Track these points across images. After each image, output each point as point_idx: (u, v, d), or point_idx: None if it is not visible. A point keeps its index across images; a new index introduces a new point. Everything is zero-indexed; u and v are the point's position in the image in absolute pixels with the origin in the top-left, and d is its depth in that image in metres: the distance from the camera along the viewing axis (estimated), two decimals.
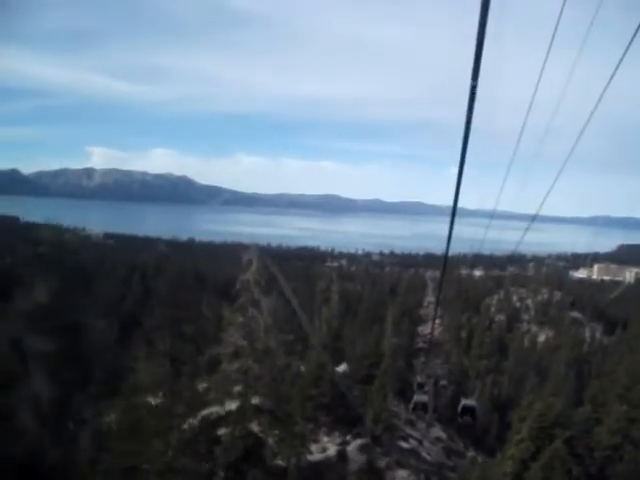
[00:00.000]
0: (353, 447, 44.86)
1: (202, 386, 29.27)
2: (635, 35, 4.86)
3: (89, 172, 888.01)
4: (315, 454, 39.61)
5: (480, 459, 55.82)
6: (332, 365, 54.27)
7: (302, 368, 50.14)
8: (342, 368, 61.98)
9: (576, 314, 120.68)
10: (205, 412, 27.49)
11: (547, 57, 5.53)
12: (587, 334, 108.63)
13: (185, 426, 26.09)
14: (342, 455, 41.84)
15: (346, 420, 48.56)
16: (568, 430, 28.04)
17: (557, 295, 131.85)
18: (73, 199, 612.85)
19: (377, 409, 50.31)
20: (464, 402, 24.77)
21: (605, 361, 54.78)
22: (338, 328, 73.44)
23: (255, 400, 26.13)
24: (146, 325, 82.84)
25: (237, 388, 25.04)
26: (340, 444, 44.68)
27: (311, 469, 35.61)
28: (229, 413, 24.73)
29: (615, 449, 26.21)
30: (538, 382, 71.10)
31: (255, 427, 25.67)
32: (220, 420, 24.98)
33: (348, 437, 46.76)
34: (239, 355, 25.13)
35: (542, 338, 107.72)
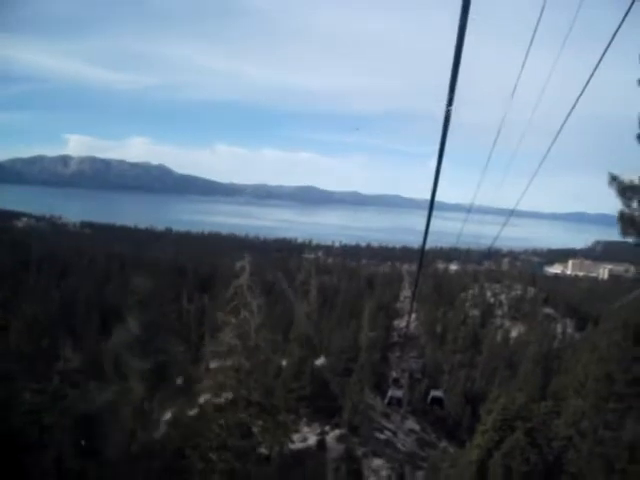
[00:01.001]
0: (332, 437, 48.02)
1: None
2: (616, 33, 4.90)
3: (65, 159, 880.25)
4: (296, 443, 42.61)
5: (452, 450, 59.00)
6: (312, 359, 57.33)
7: (283, 362, 53.31)
8: (321, 361, 65.09)
9: (549, 310, 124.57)
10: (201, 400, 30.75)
11: (528, 52, 5.40)
12: (559, 330, 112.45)
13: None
14: (322, 444, 44.85)
15: (325, 411, 51.62)
16: (529, 422, 31.52)
17: (531, 291, 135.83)
18: (48, 187, 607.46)
19: (354, 401, 53.35)
20: (433, 393, 28.60)
21: (573, 357, 57.99)
22: (317, 322, 76.39)
23: (245, 393, 28.92)
24: (116, 317, 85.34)
25: (230, 382, 27.82)
26: (320, 434, 47.76)
27: (293, 457, 38.67)
28: (225, 404, 27.58)
29: (569, 440, 29.50)
30: (508, 376, 74.46)
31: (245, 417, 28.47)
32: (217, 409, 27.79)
33: (327, 427, 49.90)
34: (232, 353, 27.91)
35: (515, 333, 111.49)
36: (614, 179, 14.88)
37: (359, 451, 44.84)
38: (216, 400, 28.23)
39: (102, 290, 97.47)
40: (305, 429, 48.49)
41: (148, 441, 27.59)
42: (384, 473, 46.85)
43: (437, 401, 28.82)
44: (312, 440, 45.93)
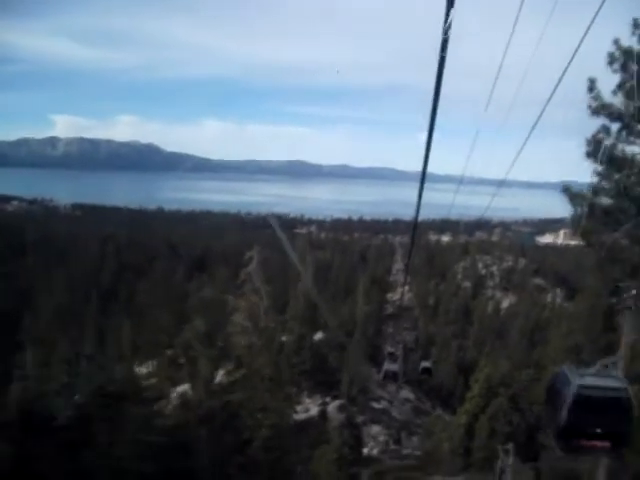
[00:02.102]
0: (332, 407, 52.23)
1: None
2: (603, 3, 4.88)
3: (53, 141, 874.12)
4: (300, 414, 46.78)
5: (446, 417, 63.11)
6: (311, 335, 61.29)
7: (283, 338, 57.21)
8: (318, 336, 68.99)
9: (539, 280, 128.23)
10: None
11: (516, 21, 5.36)
12: (549, 300, 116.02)
13: None
14: (323, 414, 48.91)
15: (325, 384, 55.82)
16: (511, 389, 35.50)
17: (521, 262, 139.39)
18: (37, 169, 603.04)
19: (352, 374, 57.54)
20: (423, 364, 32.56)
21: (557, 326, 61.57)
22: (313, 298, 79.99)
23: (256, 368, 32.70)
24: (122, 298, 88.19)
25: (245, 359, 31.62)
26: (321, 405, 51.94)
27: (297, 426, 42.65)
28: (239, 378, 31.46)
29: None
30: (498, 346, 78.22)
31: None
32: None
33: (327, 399, 54.18)
34: (245, 333, 31.68)
35: (505, 304, 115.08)
36: (567, 189, 18.49)
37: (358, 420, 48.70)
38: (234, 376, 32.02)
39: (101, 273, 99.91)
40: (307, 401, 52.65)
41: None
42: (382, 439, 51.22)
43: (426, 370, 32.83)
44: (314, 411, 50.00)
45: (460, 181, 12.07)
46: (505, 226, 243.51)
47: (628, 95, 18.46)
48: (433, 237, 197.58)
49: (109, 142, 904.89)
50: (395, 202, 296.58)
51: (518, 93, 7.89)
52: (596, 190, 18.79)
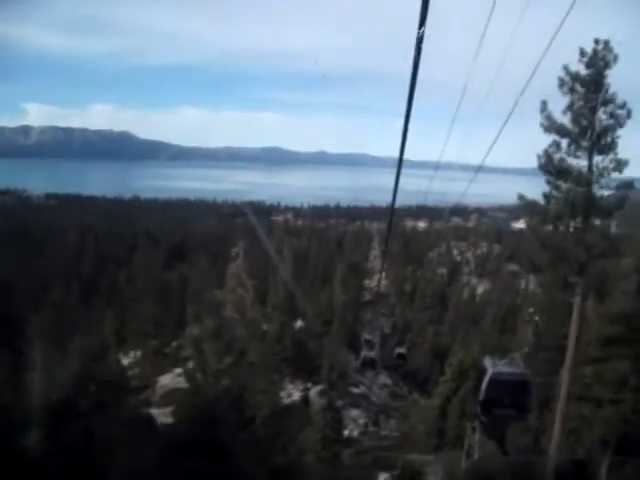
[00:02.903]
0: (313, 392, 55.53)
1: None
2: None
3: (26, 130, 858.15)
4: (283, 399, 49.83)
5: (422, 401, 66.33)
6: (291, 323, 64.33)
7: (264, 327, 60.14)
8: (298, 324, 71.99)
9: (513, 266, 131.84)
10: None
11: (494, 6, 5.47)
12: (522, 286, 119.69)
13: None
14: (305, 399, 52.09)
15: (305, 370, 58.93)
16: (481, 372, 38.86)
17: (496, 249, 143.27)
18: (9, 158, 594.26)
19: (331, 360, 60.70)
20: (397, 350, 35.81)
21: (525, 313, 64.53)
22: (292, 286, 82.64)
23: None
24: (103, 289, 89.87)
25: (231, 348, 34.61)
26: (302, 390, 55.07)
27: (282, 410, 45.68)
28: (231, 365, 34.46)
29: None
30: (472, 332, 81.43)
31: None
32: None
33: (309, 384, 57.35)
34: (233, 324, 34.60)
35: (480, 290, 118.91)
36: (521, 197, 21.55)
37: (338, 404, 51.81)
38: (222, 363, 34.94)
39: (79, 263, 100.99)
40: (289, 386, 55.73)
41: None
42: (361, 422, 54.54)
43: (401, 356, 36.19)
44: (296, 396, 53.08)
45: (436, 167, 12.37)
46: (481, 212, 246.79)
47: (575, 115, 21.48)
48: (409, 223, 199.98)
49: (83, 131, 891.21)
50: (371, 188, 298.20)
51: (495, 80, 8.16)
52: (548, 198, 21.86)
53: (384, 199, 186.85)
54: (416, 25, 4.07)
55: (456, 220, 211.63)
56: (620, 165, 21.63)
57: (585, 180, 21.12)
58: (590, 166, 21.51)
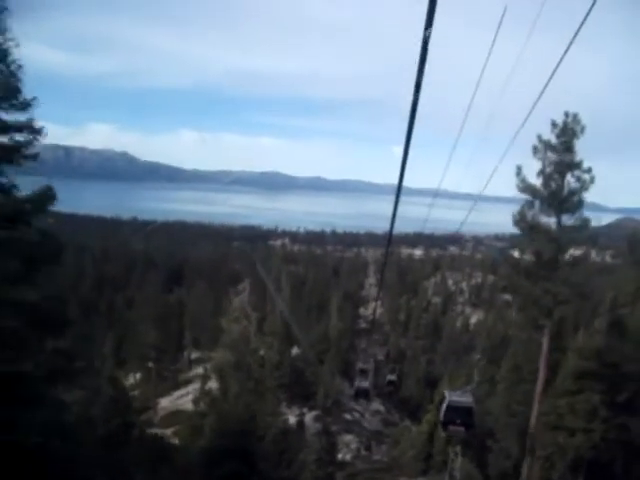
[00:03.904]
0: (309, 417, 58.73)
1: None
2: (583, 24, 5.00)
3: None
4: (279, 423, 52.99)
5: (413, 428, 69.02)
6: (289, 350, 67.59)
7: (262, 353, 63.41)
8: (295, 351, 75.18)
9: (508, 296, 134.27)
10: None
11: (495, 38, 5.55)
12: (514, 316, 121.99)
13: None
14: (301, 424, 55.06)
15: (302, 396, 62.18)
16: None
17: (490, 278, 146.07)
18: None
19: (327, 387, 64.00)
20: (388, 377, 39.59)
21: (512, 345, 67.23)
22: (289, 313, 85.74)
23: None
24: (102, 310, 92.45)
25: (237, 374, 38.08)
26: (298, 415, 58.13)
27: (278, 434, 48.88)
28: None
29: (497, 416, 40.24)
30: (464, 361, 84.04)
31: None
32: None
33: (304, 410, 60.58)
34: (238, 353, 38.16)
35: (474, 320, 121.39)
36: (501, 251, 25.13)
37: (333, 429, 54.91)
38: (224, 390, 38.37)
39: (78, 283, 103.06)
40: (286, 411, 58.82)
41: None
42: (354, 446, 57.71)
43: (391, 383, 39.96)
44: (292, 420, 56.06)
45: (435, 195, 12.50)
46: (477, 240, 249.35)
47: (546, 179, 25.19)
48: (405, 251, 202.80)
49: (82, 150, 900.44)
50: (368, 215, 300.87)
51: (496, 109, 8.14)
52: (522, 249, 25.49)
53: (380, 225, 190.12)
54: (415, 55, 4.12)
55: (453, 248, 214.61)
56: (585, 222, 25.33)
57: (553, 236, 24.75)
58: (559, 223, 25.12)
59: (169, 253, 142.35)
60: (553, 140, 25.11)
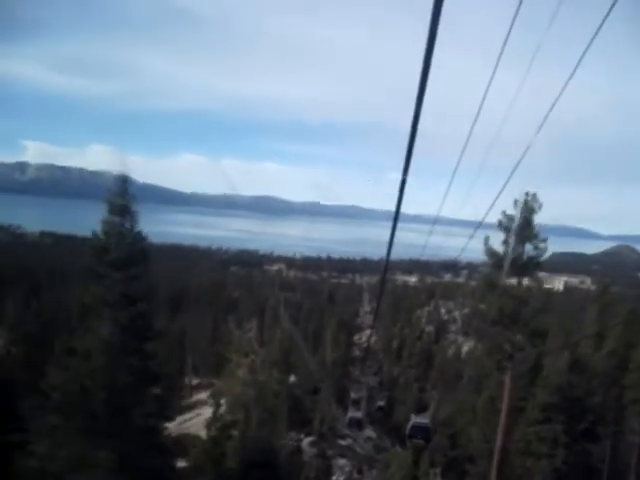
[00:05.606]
0: (305, 443, 64.79)
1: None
2: (586, 50, 5.14)
3: (22, 166, 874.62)
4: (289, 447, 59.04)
5: (403, 453, 74.56)
6: (287, 379, 73.50)
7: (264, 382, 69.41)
8: (292, 379, 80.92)
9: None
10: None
11: (497, 65, 5.45)
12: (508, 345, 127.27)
13: None
14: (298, 448, 60.99)
15: (299, 422, 68.12)
16: (451, 429, 48.35)
17: (484, 307, 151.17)
18: (4, 194, 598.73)
19: (323, 414, 69.94)
20: (378, 403, 46.11)
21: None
22: (286, 343, 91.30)
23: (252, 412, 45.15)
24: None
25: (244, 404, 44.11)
26: (296, 440, 64.10)
27: (288, 454, 54.88)
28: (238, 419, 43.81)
29: (476, 442, 46.23)
30: (452, 390, 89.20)
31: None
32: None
33: (301, 435, 66.60)
34: (246, 384, 44.17)
35: (466, 348, 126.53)
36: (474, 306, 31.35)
37: (328, 453, 60.97)
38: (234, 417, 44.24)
39: (76, 304, 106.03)
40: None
41: None
42: (347, 470, 63.64)
43: (380, 408, 45.94)
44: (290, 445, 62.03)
45: (434, 222, 12.51)
46: (472, 268, 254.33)
47: (507, 248, 31.40)
48: (400, 277, 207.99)
49: (81, 170, 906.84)
50: (363, 241, 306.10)
51: (495, 137, 7.83)
52: (488, 303, 31.66)
53: (375, 252, 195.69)
54: (415, 79, 3.95)
55: (448, 276, 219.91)
56: (540, 283, 31.62)
57: (514, 294, 30.93)
58: (519, 283, 31.30)
59: (166, 277, 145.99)
60: (516, 214, 31.15)
